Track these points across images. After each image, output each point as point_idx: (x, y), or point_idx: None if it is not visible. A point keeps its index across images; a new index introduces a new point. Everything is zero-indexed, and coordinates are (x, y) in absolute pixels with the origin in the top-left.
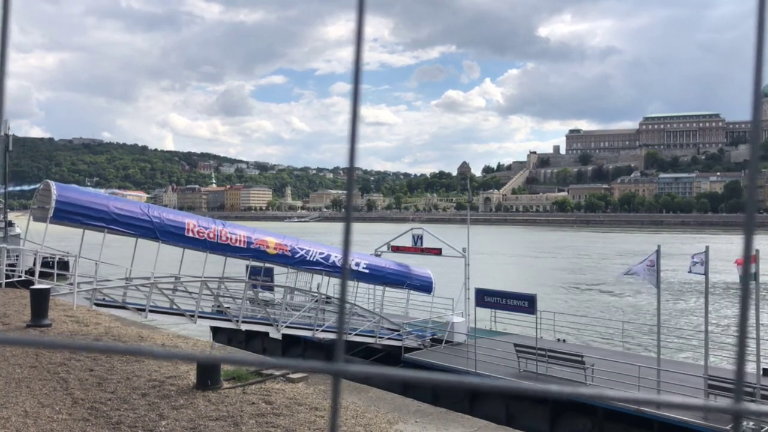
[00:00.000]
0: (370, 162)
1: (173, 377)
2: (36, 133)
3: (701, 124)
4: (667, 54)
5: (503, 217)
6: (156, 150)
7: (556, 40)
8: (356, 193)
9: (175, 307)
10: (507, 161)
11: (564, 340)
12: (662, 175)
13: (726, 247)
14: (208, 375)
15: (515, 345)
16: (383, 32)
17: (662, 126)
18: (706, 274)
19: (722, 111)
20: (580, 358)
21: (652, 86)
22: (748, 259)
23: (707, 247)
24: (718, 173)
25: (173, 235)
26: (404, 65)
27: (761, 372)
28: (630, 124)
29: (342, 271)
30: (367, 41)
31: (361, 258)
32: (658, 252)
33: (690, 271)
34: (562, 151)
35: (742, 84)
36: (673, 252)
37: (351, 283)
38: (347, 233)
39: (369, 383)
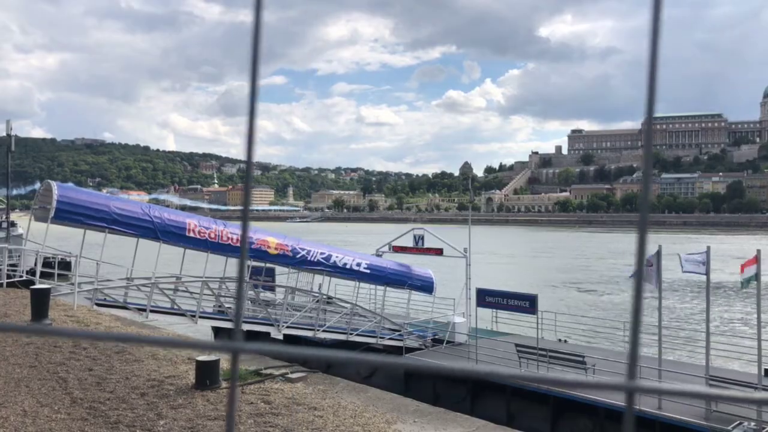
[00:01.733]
0: (371, 162)
1: (172, 377)
2: (38, 133)
3: (703, 125)
4: (668, 54)
5: (504, 218)
6: (158, 150)
7: (557, 40)
8: (358, 194)
9: (176, 307)
10: (509, 161)
11: (565, 341)
12: (664, 175)
13: (727, 247)
14: (206, 375)
15: (516, 345)
16: (384, 32)
17: (664, 126)
18: (707, 274)
19: (724, 111)
20: (581, 359)
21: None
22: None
23: (708, 248)
24: (721, 173)
25: (174, 236)
26: (405, 65)
27: (763, 372)
28: (631, 125)
29: (241, 253)
30: (368, 41)
31: (362, 258)
32: (659, 253)
33: (684, 270)
34: (564, 151)
35: (743, 84)
36: (673, 252)
37: (352, 284)
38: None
39: (369, 383)
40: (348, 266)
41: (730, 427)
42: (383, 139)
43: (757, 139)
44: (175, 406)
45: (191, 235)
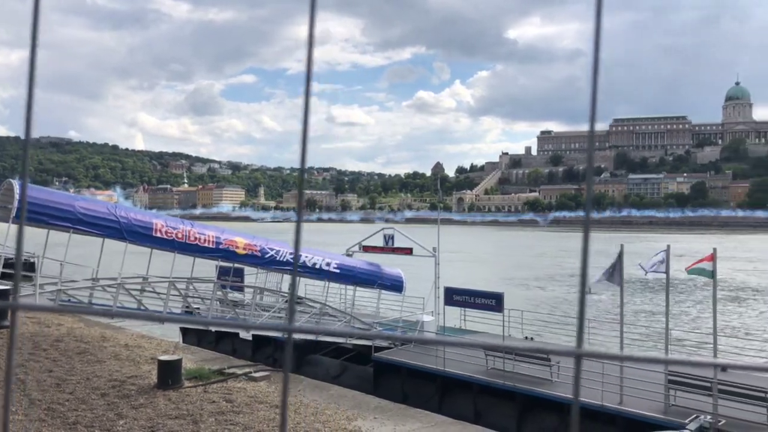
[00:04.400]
0: (343, 162)
1: (134, 377)
2: (0, 131)
3: (668, 126)
4: (634, 57)
5: (471, 220)
6: (127, 149)
7: (525, 42)
8: (330, 194)
9: (142, 308)
10: (480, 162)
11: (532, 338)
12: (631, 175)
13: (688, 246)
14: (169, 374)
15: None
16: (354, 32)
17: (631, 128)
18: (666, 272)
19: (688, 113)
20: (546, 356)
21: (619, 88)
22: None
23: (668, 246)
24: (685, 174)
25: (141, 236)
26: (376, 66)
27: (719, 369)
28: (599, 126)
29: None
30: (339, 41)
31: (332, 258)
32: (620, 253)
33: (646, 274)
34: (534, 152)
35: (706, 87)
36: (639, 251)
37: (321, 283)
38: None
39: (338, 383)
40: (317, 266)
41: (687, 421)
42: (355, 139)
43: (720, 141)
44: (136, 405)
45: (158, 235)
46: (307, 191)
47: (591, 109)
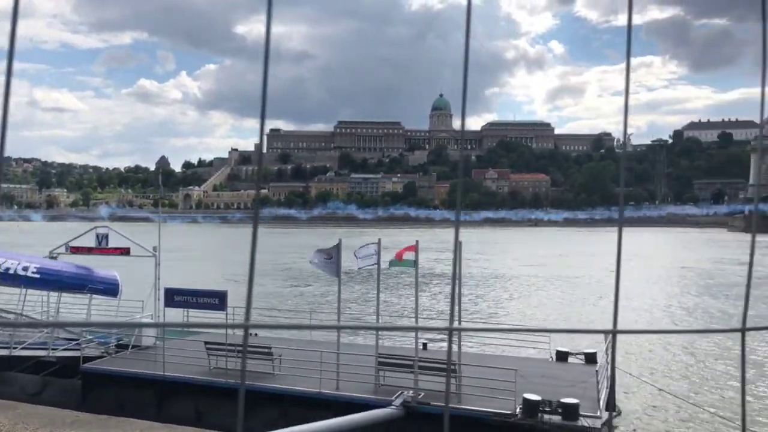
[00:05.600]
0: (49, 152)
1: None
2: None
3: (385, 131)
4: (356, 64)
5: (195, 217)
6: None
7: (253, 39)
8: (33, 188)
9: None
10: (208, 157)
11: (256, 334)
12: (354, 175)
13: (402, 239)
14: None
15: (205, 343)
16: (65, 9)
17: (353, 130)
18: (378, 264)
19: (402, 119)
20: (268, 350)
21: (343, 92)
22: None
23: (379, 240)
24: (399, 174)
25: None
26: (90, 48)
27: (421, 346)
28: (324, 127)
29: None
30: (46, 17)
31: (30, 261)
32: (338, 246)
33: (359, 267)
34: (264, 149)
35: (416, 97)
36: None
37: (18, 291)
38: None
39: (39, 401)
40: (12, 271)
41: (393, 398)
42: (64, 127)
43: (427, 146)
44: None
45: None
46: (4, 185)
47: (461, 113)
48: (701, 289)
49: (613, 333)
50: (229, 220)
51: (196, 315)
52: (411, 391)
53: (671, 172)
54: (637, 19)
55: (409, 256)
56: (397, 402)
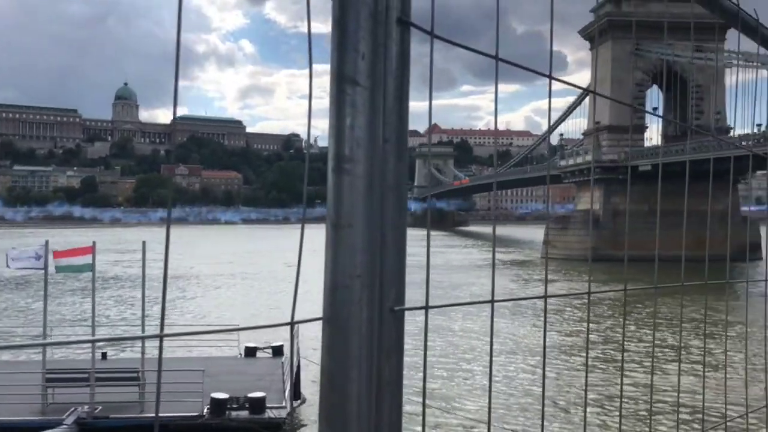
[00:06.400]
0: None
1: None
2: None
3: (59, 118)
4: (23, 41)
5: None
6: None
7: None
8: None
9: None
10: None
11: None
12: (17, 167)
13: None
14: None
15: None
16: None
17: (18, 115)
18: (45, 268)
19: (80, 107)
20: None
21: (5, 72)
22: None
23: (47, 241)
24: (75, 168)
25: None
26: None
27: (99, 356)
28: None
29: None
30: None
31: None
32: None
33: (15, 267)
34: None
35: (97, 83)
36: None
37: None
38: None
39: None
40: None
41: (64, 416)
42: None
43: (110, 138)
44: None
45: None
46: None
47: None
48: None
49: (291, 324)
50: None
51: None
52: (87, 406)
53: None
54: (321, 28)
55: (78, 260)
56: (69, 420)
